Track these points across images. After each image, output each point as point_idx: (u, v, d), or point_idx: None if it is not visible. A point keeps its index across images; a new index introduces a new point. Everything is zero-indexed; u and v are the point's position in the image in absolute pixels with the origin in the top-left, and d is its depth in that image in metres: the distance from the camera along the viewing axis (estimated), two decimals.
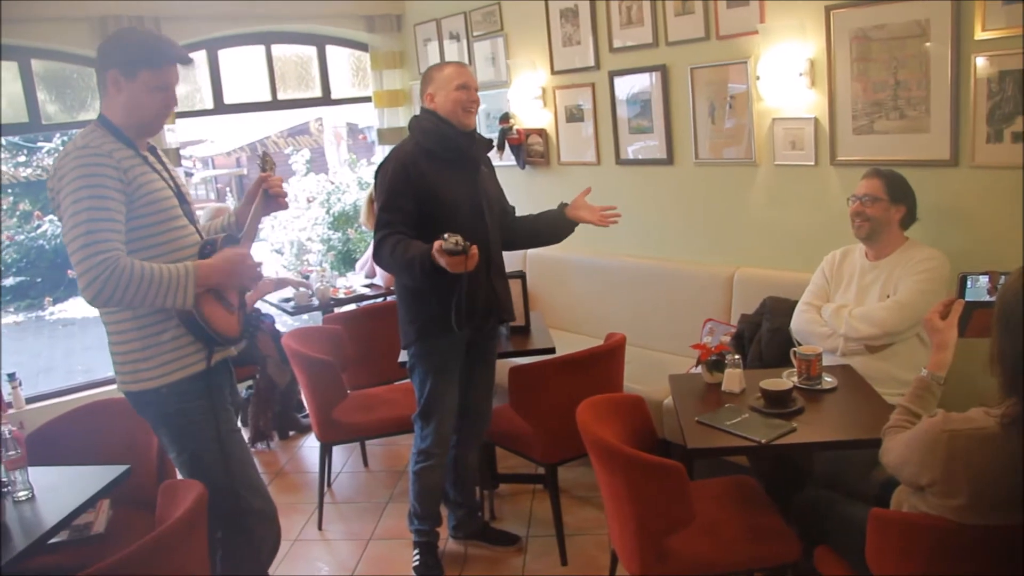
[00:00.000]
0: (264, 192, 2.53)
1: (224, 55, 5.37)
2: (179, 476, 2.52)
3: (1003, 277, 1.94)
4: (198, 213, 2.65)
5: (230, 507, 2.42)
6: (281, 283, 4.92)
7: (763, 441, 2.27)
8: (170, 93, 2.32)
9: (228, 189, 16.02)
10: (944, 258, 2.83)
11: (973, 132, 2.95)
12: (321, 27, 5.62)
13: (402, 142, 2.99)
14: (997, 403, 1.63)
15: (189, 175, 15.39)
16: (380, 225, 2.86)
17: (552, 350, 3.39)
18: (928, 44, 3.00)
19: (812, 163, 3.48)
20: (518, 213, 3.29)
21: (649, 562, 2.26)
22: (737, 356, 2.73)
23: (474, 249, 2.58)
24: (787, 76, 3.40)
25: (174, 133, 5.00)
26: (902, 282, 2.84)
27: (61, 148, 2.25)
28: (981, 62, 2.87)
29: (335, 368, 3.65)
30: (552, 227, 3.18)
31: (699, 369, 2.84)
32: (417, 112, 3.02)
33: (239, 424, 2.64)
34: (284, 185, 2.62)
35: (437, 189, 2.85)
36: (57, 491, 2.36)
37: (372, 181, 3.21)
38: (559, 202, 3.22)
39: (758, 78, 3.50)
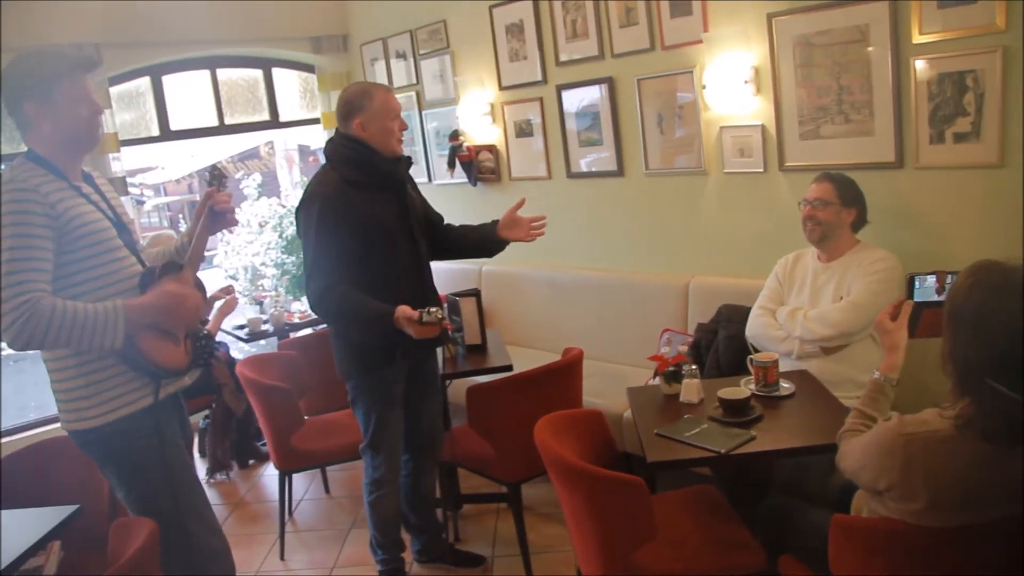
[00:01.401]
0: (210, 209, 2.43)
1: (170, 81, 5.27)
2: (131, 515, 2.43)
3: (950, 276, 1.96)
4: (141, 242, 2.55)
5: (182, 546, 2.33)
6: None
7: (723, 451, 2.26)
8: (93, 99, 2.21)
9: (180, 216, 15.74)
10: (896, 259, 2.86)
11: (916, 134, 2.99)
12: (267, 50, 5.54)
13: (322, 175, 2.82)
14: (950, 404, 1.62)
15: (140, 203, 15.08)
16: (316, 272, 2.71)
17: (509, 367, 3.35)
18: (869, 48, 3.04)
19: (761, 170, 3.51)
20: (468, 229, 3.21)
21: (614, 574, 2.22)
22: (694, 366, 2.72)
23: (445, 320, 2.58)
24: (733, 84, 3.43)
25: (119, 161, 4.88)
26: (855, 283, 2.86)
27: None
28: (920, 65, 2.92)
29: (291, 395, 3.56)
30: (484, 243, 3.12)
31: (657, 381, 2.83)
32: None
33: (194, 456, 2.55)
34: (236, 208, 2.51)
35: (369, 221, 2.73)
36: (5, 534, 2.25)
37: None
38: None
39: (704, 87, 3.52)
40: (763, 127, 3.45)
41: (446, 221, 3.17)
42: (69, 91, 2.14)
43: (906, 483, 1.64)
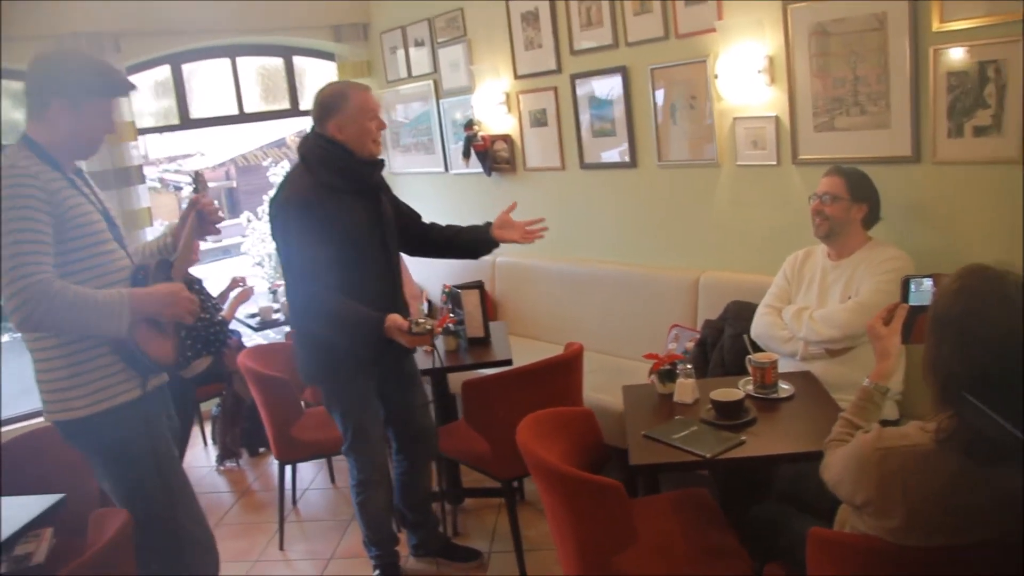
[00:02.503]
0: (198, 214, 2.43)
1: (195, 69, 5.29)
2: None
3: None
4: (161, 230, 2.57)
5: (169, 538, 2.32)
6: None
7: (708, 456, 2.17)
8: (112, 121, 2.28)
9: (216, 202, 15.96)
10: (907, 258, 2.73)
11: (934, 127, 2.85)
12: (287, 38, 5.53)
13: (294, 176, 2.75)
14: (932, 416, 1.52)
15: (178, 189, 15.32)
16: (305, 278, 2.67)
17: (509, 362, 3.30)
18: (887, 37, 2.90)
19: (774, 162, 3.39)
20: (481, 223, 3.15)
21: None
22: (689, 366, 2.64)
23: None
24: (746, 74, 3.31)
25: (137, 150, 4.92)
26: (864, 283, 2.74)
27: None
28: (940, 55, 2.77)
29: (289, 386, 3.54)
30: (472, 245, 3.07)
31: (653, 379, 2.74)
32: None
33: (206, 442, 2.55)
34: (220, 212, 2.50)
35: (341, 224, 2.68)
36: None
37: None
38: (517, 211, 3.09)
39: (716, 76, 3.41)
40: (777, 118, 3.32)
41: (448, 220, 3.14)
42: (99, 107, 2.21)
43: (882, 499, 1.54)
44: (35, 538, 2.59)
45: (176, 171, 14.38)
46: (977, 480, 1.46)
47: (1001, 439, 1.39)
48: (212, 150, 16.69)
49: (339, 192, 2.70)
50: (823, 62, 3.12)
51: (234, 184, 16.33)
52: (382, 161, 2.88)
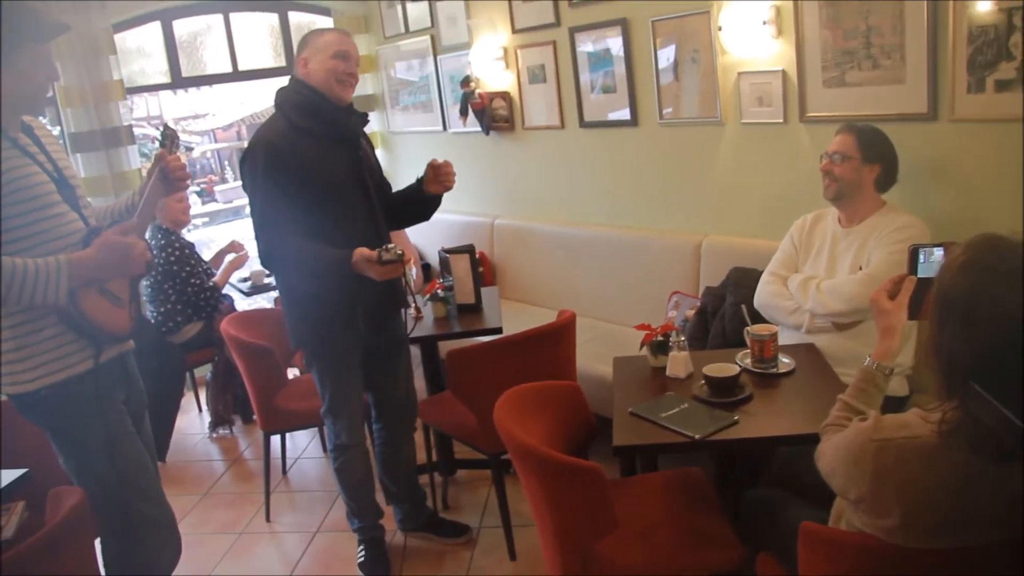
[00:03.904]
0: (161, 171, 2.28)
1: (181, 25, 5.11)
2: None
3: None
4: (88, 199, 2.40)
5: (120, 517, 2.22)
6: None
7: (696, 437, 2.03)
8: (53, 66, 2.11)
9: (227, 163, 15.79)
10: (923, 226, 2.54)
11: (953, 81, 2.64)
12: None
13: (269, 121, 2.64)
14: (934, 404, 1.36)
15: (189, 149, 15.17)
16: (266, 223, 2.55)
17: (499, 330, 3.15)
18: None
19: (781, 120, 3.18)
20: (485, 184, 2.97)
21: (572, 568, 2.03)
22: (683, 338, 2.48)
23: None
24: (751, 25, 3.10)
25: (130, 111, 4.77)
26: (875, 252, 2.56)
27: None
28: (960, 2, 2.54)
29: (273, 354, 3.42)
30: (415, 207, 2.87)
31: (645, 351, 2.59)
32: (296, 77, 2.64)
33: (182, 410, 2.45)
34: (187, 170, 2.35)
35: (317, 171, 2.55)
36: None
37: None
38: (519, 171, 2.89)
39: (720, 28, 3.19)
40: (783, 73, 3.11)
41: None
42: (32, 54, 2.04)
43: (876, 496, 1.38)
44: (6, 512, 2.52)
45: (183, 131, 14.21)
46: (981, 479, 1.30)
47: (1010, 434, 1.23)
48: (222, 110, 16.53)
49: (315, 137, 2.58)
50: (833, 12, 2.90)
51: (244, 144, 16.13)
52: (364, 115, 2.74)
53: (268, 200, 2.54)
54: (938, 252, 1.72)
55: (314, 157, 2.55)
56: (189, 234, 4.86)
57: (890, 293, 1.74)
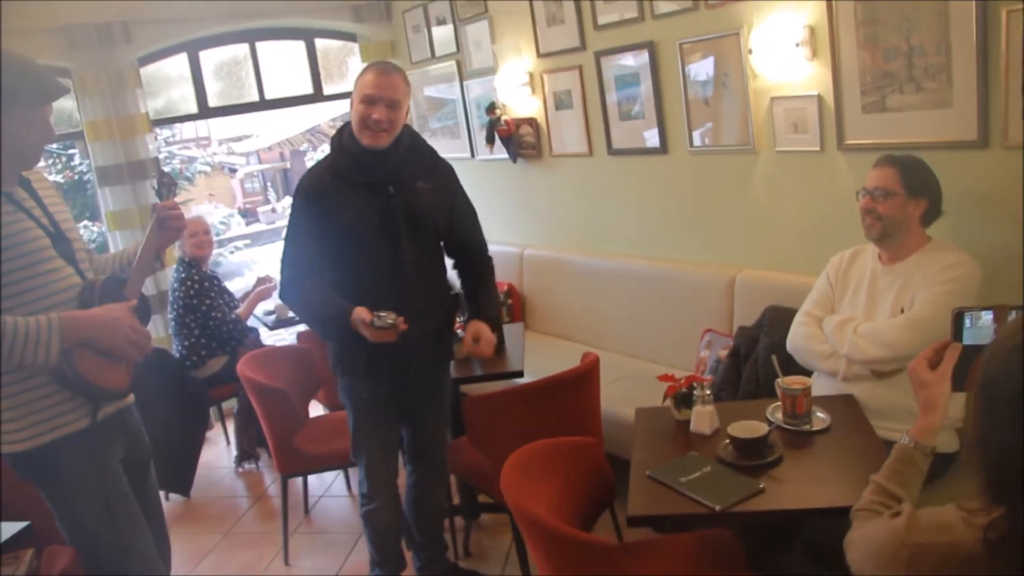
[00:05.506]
0: (157, 220, 2.20)
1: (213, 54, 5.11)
2: None
3: (1013, 314, 1.45)
4: (85, 252, 2.32)
5: None
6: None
7: (717, 508, 1.85)
8: (49, 128, 2.05)
9: (269, 184, 15.99)
10: (973, 263, 2.32)
11: (1006, 105, 2.42)
12: (307, 20, 5.28)
13: (318, 161, 2.68)
14: (979, 506, 1.17)
15: (233, 171, 15.39)
16: (286, 260, 2.59)
17: (520, 373, 3.01)
18: None
19: (817, 148, 2.99)
20: (514, 212, 2.84)
21: None
22: (708, 392, 2.29)
23: (402, 322, 2.38)
24: (784, 47, 2.92)
25: (156, 141, 4.77)
26: (920, 293, 2.34)
27: None
28: (1014, 17, 2.33)
29: (288, 396, 3.32)
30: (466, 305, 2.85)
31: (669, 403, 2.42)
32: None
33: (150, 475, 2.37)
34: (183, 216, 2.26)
35: (338, 216, 2.51)
36: None
37: None
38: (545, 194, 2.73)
39: (751, 51, 3.02)
40: (819, 97, 2.92)
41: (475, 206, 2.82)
42: (27, 116, 1.98)
43: None
44: (13, 561, 2.47)
45: (228, 153, 14.42)
46: None
47: None
48: (266, 131, 16.76)
49: (346, 182, 2.53)
50: (871, 31, 2.71)
51: (288, 165, 16.30)
52: (425, 152, 2.65)
53: (292, 238, 2.58)
54: (987, 316, 1.51)
55: (340, 201, 2.52)
56: (232, 256, 4.82)
57: (931, 362, 1.53)
